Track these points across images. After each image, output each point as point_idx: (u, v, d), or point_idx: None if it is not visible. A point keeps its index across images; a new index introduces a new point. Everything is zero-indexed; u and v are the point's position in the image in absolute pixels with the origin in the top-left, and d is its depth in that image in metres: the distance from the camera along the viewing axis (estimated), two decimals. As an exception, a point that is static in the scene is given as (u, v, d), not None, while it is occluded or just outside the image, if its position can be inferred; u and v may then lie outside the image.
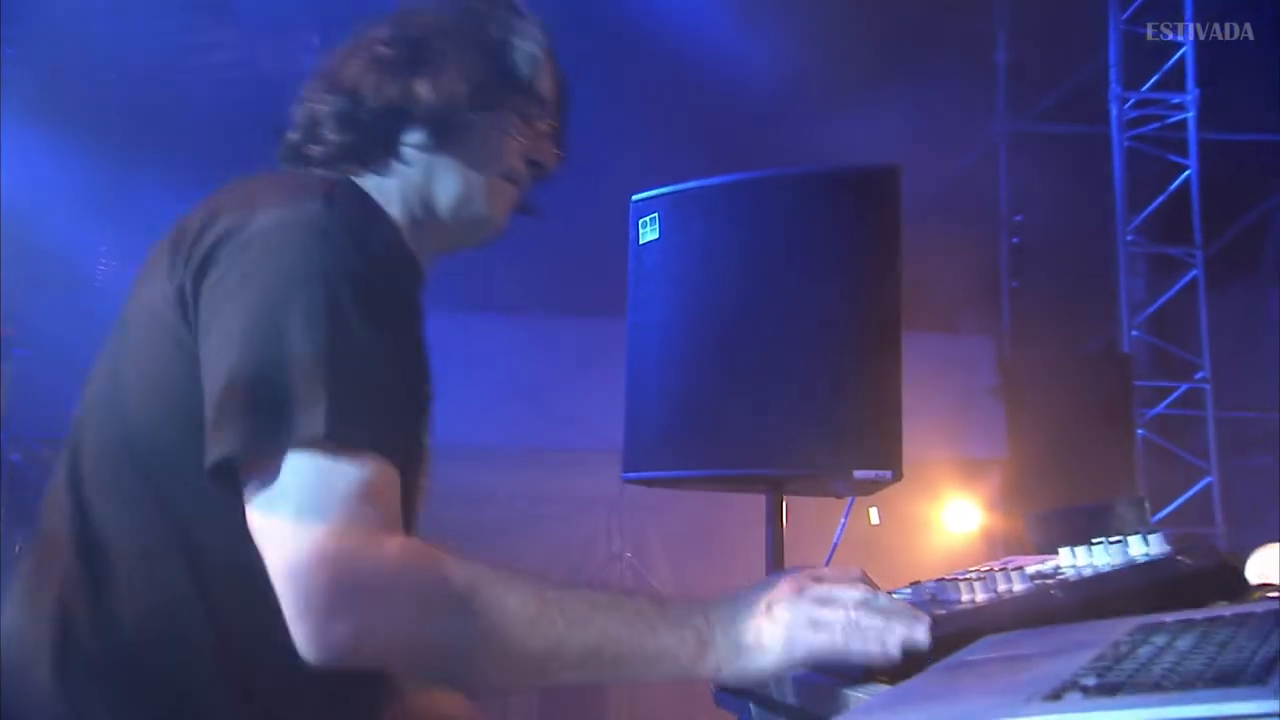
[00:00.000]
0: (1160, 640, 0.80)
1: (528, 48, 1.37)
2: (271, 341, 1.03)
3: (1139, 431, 6.53)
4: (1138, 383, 6.62)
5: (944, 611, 1.08)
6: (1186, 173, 6.64)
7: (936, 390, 6.64)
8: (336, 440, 1.01)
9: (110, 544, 1.14)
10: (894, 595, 1.26)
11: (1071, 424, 6.16)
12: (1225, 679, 0.65)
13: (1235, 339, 6.63)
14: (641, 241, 2.49)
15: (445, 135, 1.32)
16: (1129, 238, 6.80)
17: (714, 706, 1.48)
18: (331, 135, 1.32)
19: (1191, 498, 6.43)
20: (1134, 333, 6.77)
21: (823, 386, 2.27)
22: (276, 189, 1.17)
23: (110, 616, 1.12)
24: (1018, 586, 1.09)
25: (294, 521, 1.00)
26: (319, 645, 0.98)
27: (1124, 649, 0.78)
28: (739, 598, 1.07)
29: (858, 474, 2.03)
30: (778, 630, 1.03)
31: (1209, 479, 6.43)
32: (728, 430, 2.24)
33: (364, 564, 0.99)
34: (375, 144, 1.32)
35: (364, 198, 1.21)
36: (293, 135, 1.37)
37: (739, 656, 1.04)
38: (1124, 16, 6.77)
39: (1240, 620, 0.84)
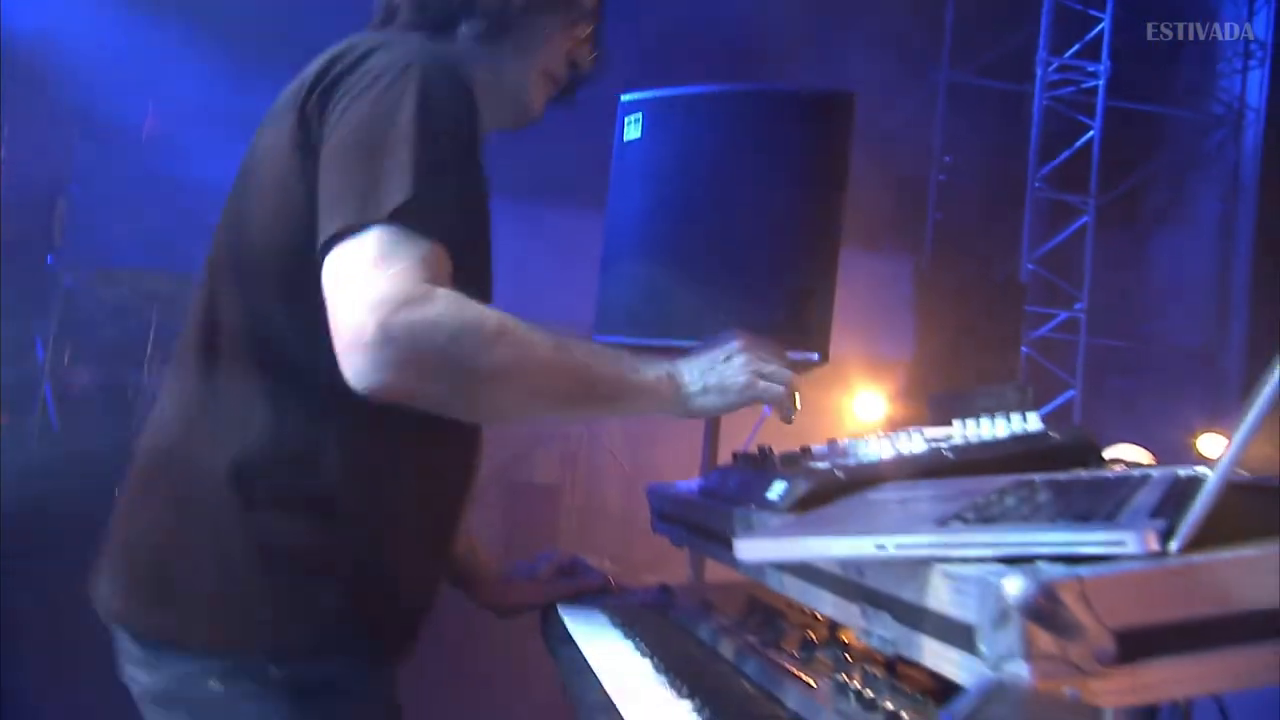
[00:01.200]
0: (1030, 491, 0.82)
1: None
2: (376, 149, 1.06)
3: (1024, 349, 6.65)
4: (1028, 308, 6.70)
5: (852, 462, 1.10)
6: (1090, 133, 6.62)
7: (859, 298, 6.68)
8: (413, 219, 1.03)
9: (233, 356, 1.16)
10: (813, 451, 1.29)
11: (970, 336, 6.25)
12: (1081, 517, 0.67)
13: (1112, 280, 6.70)
14: (626, 139, 2.44)
15: (502, 29, 1.31)
16: (1037, 184, 6.81)
17: (651, 534, 1.52)
18: (406, 16, 1.31)
19: (1057, 407, 6.59)
20: (1030, 266, 6.82)
21: (768, 277, 2.28)
22: (385, 42, 1.18)
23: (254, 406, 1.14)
24: (917, 447, 1.11)
25: (365, 271, 1.00)
26: (372, 369, 0.98)
27: (1001, 495, 0.81)
28: (701, 354, 1.21)
29: (789, 354, 2.05)
30: (735, 377, 1.18)
31: (1072, 392, 6.58)
32: (683, 309, 2.25)
33: (417, 303, 0.99)
34: (442, 27, 1.31)
35: (447, 56, 1.20)
36: (376, 18, 1.36)
37: (705, 395, 1.18)
38: (1056, -11, 6.66)
39: (1096, 481, 0.87)
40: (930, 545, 0.67)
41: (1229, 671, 0.58)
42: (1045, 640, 0.57)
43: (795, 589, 0.96)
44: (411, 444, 1.18)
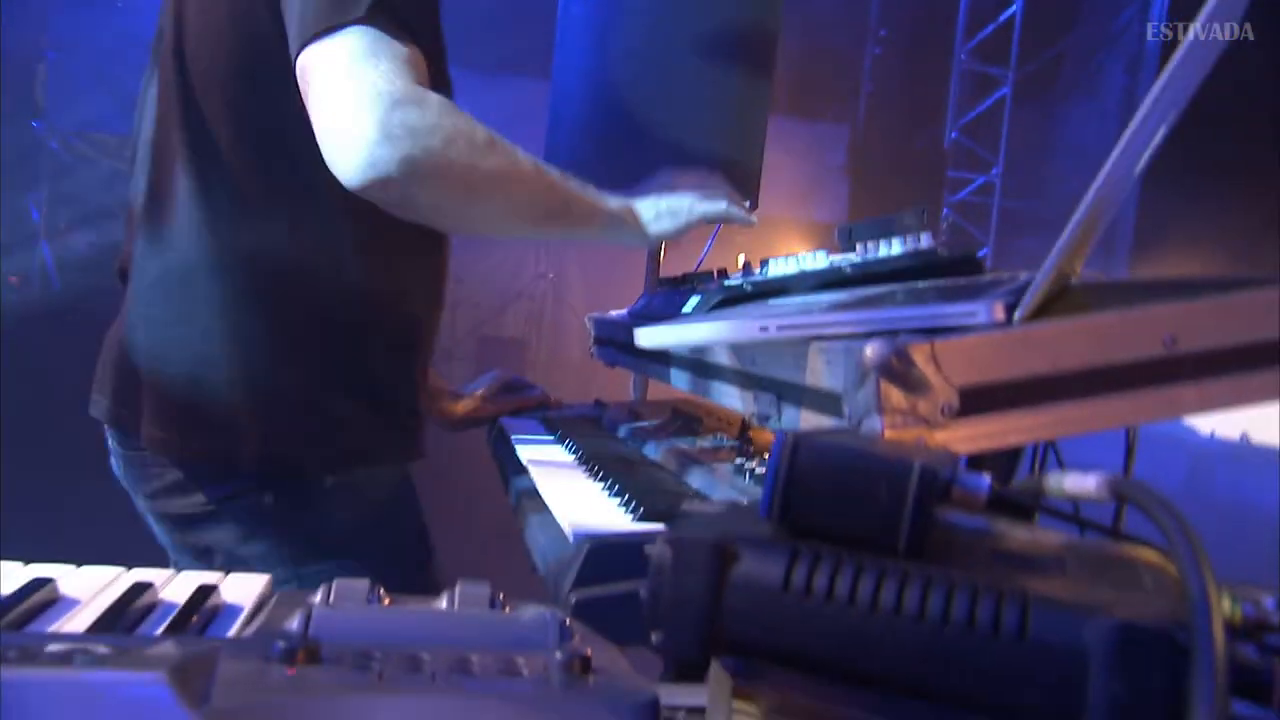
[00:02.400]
0: (914, 289, 0.82)
1: None
2: None
3: (944, 210, 6.65)
4: (950, 172, 6.67)
5: (760, 278, 1.09)
6: (1014, 8, 6.44)
7: (797, 164, 6.59)
8: (393, 19, 0.93)
9: (222, 166, 1.05)
10: (726, 272, 1.28)
11: (899, 198, 6.23)
12: (947, 299, 0.67)
13: (1026, 147, 6.65)
14: (569, 12, 2.33)
15: None
16: (962, 57, 6.66)
17: (598, 362, 1.52)
18: None
19: (972, 263, 6.65)
20: (953, 134, 6.75)
21: (704, 131, 2.23)
22: None
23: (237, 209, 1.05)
24: (821, 265, 1.10)
25: (351, 68, 0.90)
26: (369, 165, 0.89)
27: (880, 294, 0.81)
28: (651, 190, 1.23)
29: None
30: (681, 200, 1.22)
31: (985, 250, 6.62)
32: (626, 160, 2.20)
33: (413, 104, 0.90)
34: None
35: None
36: None
37: (659, 220, 1.20)
38: None
39: (974, 282, 0.87)
40: (808, 325, 0.67)
41: (1059, 420, 0.59)
42: (897, 396, 0.57)
43: (701, 388, 0.97)
44: (413, 248, 1.13)
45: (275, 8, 0.98)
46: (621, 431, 1.22)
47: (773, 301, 0.93)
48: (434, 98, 0.93)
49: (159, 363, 1.08)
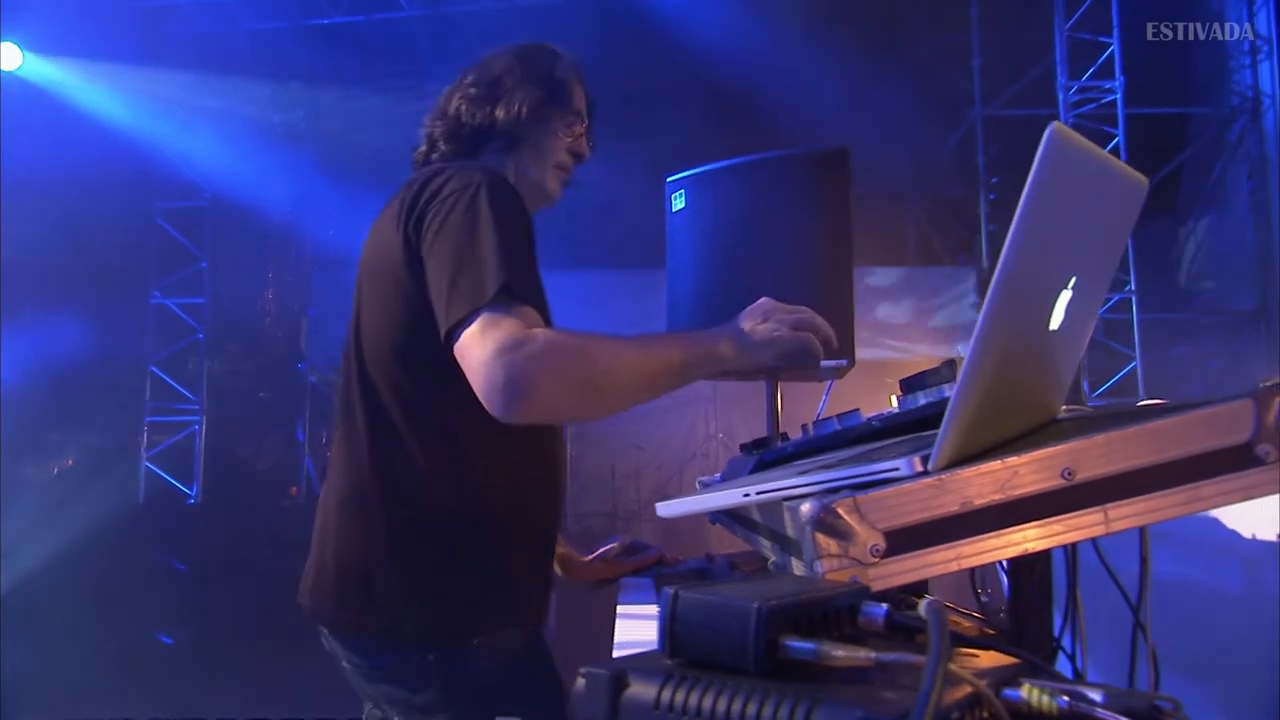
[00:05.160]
0: (891, 445, 0.88)
1: (565, 76, 1.45)
2: (470, 254, 1.16)
3: (1083, 331, 6.30)
4: (1082, 296, 6.35)
5: (804, 438, 1.16)
6: (1116, 139, 6.27)
7: (937, 311, 6.52)
8: (512, 295, 1.12)
9: (387, 418, 1.27)
10: (789, 436, 1.34)
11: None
12: (892, 457, 0.73)
13: (1155, 261, 6.26)
14: (674, 210, 2.57)
15: (518, 141, 1.41)
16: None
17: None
18: (443, 147, 1.42)
19: (1122, 378, 6.20)
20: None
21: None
22: (451, 172, 1.26)
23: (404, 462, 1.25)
24: (853, 421, 1.16)
25: (484, 339, 1.09)
26: (512, 401, 1.06)
27: (868, 450, 0.87)
28: (737, 322, 1.25)
29: (824, 363, 2.09)
30: (773, 329, 1.23)
31: (1135, 364, 6.17)
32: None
33: (526, 344, 1.08)
34: (474, 148, 1.42)
35: (493, 170, 1.29)
36: (420, 149, 1.46)
37: (756, 348, 1.22)
38: (1066, 26, 6.40)
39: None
40: (778, 489, 0.74)
41: (976, 551, 0.64)
42: (830, 544, 0.64)
43: (755, 543, 1.04)
44: (522, 462, 1.29)
45: (420, 303, 1.21)
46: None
47: (798, 462, 1.00)
48: (540, 334, 1.10)
49: (341, 561, 1.28)
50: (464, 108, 1.41)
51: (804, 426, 1.38)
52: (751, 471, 1.06)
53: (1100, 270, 0.82)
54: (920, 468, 0.66)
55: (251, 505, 6.44)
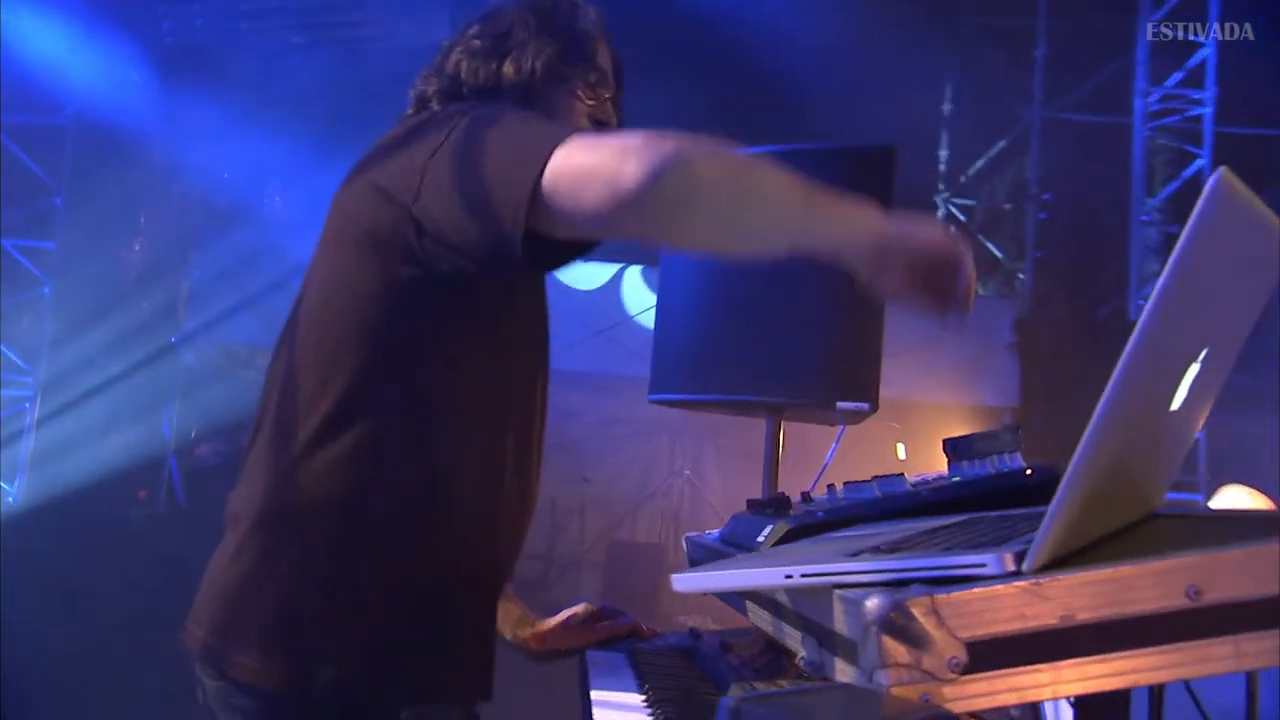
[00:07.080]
0: (962, 526, 0.89)
1: (587, 30, 1.44)
2: (507, 141, 1.14)
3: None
4: (1139, 346, 6.51)
5: (836, 504, 1.17)
6: (1200, 161, 6.44)
7: (957, 346, 6.61)
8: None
9: (334, 401, 1.24)
10: (813, 497, 1.36)
11: (1079, 379, 6.10)
12: (972, 546, 0.74)
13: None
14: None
15: (529, 102, 1.38)
16: (1144, 217, 6.64)
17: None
18: (437, 109, 1.38)
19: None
20: (1140, 302, 6.64)
21: (817, 332, 2.36)
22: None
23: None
24: (899, 489, 1.18)
25: (586, 147, 1.06)
26: (654, 166, 1.00)
27: (930, 529, 0.88)
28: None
29: (840, 404, 2.10)
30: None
31: (1198, 435, 6.33)
32: (736, 363, 2.33)
33: (654, 143, 1.02)
34: None
35: None
36: (409, 112, 1.44)
37: (907, 238, 1.07)
38: (1154, 19, 6.55)
39: (1031, 514, 0.93)
40: (830, 573, 0.75)
41: (1078, 677, 0.64)
42: (900, 651, 0.64)
43: (775, 627, 1.04)
44: (463, 502, 1.28)
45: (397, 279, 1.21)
46: (713, 673, 1.28)
47: (833, 534, 1.01)
48: (669, 134, 1.04)
49: (250, 597, 1.26)
50: (465, 64, 1.40)
51: (830, 487, 1.39)
52: (778, 541, 1.06)
53: (1231, 341, 0.84)
54: (1013, 566, 0.67)
55: (88, 512, 6.25)
